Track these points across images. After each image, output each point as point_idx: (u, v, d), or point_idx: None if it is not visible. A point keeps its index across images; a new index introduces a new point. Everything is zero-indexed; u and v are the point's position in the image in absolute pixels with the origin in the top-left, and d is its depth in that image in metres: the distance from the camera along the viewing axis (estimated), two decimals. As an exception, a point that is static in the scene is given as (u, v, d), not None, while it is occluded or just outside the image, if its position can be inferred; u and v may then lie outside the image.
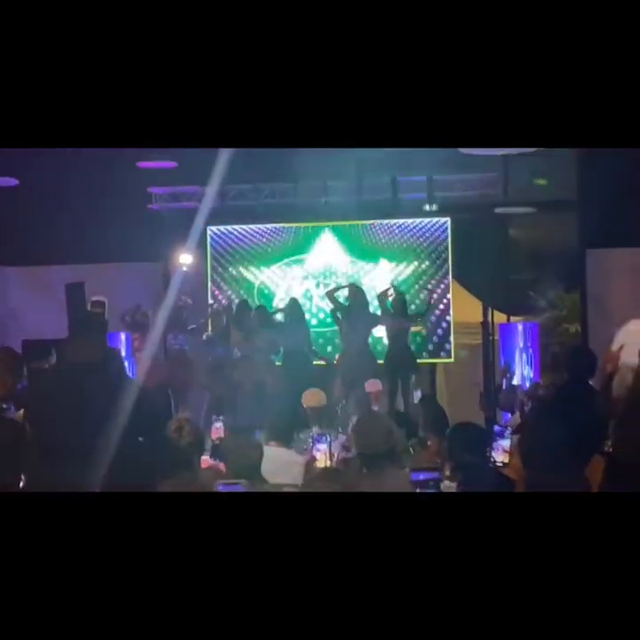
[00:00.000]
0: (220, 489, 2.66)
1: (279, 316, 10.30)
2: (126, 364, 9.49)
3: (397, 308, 10.14)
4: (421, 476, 2.75)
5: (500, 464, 3.02)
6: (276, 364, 9.79)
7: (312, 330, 11.37)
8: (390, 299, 10.33)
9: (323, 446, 4.11)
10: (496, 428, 3.08)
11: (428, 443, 6.30)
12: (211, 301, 11.71)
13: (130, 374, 7.80)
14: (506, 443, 3.03)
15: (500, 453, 3.03)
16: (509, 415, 7.93)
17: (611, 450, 3.46)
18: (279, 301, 11.40)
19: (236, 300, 11.29)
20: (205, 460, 5.23)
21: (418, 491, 2.73)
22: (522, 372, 10.51)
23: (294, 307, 10.21)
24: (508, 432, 3.05)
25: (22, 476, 4.07)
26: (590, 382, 4.85)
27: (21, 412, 4.48)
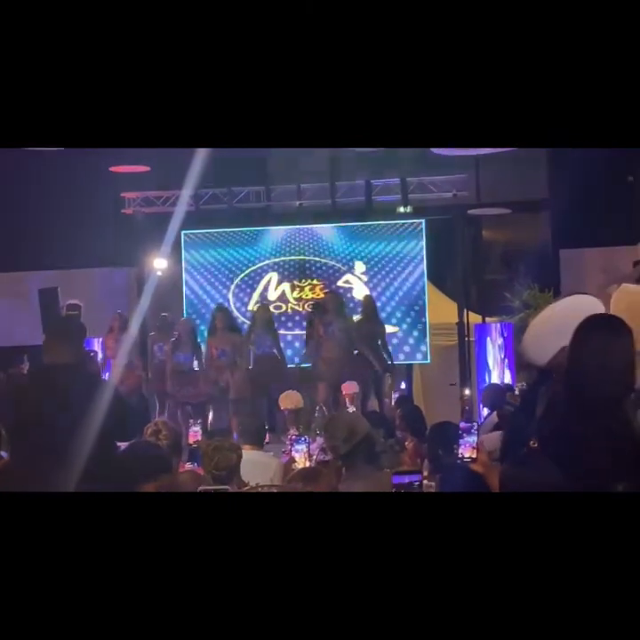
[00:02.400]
0: None
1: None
2: (102, 367, 9.50)
3: (368, 312, 10.20)
4: (406, 479, 2.74)
5: (468, 459, 3.04)
6: (247, 367, 9.80)
7: (288, 333, 11.41)
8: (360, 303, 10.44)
9: (301, 447, 4.10)
10: (463, 424, 3.09)
11: (406, 443, 6.33)
12: (185, 307, 11.69)
13: (105, 378, 7.78)
14: (473, 439, 3.05)
15: (468, 449, 3.05)
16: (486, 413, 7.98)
17: (536, 445, 3.44)
18: (254, 305, 11.41)
19: (211, 305, 11.30)
20: (182, 464, 5.21)
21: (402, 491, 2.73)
22: (498, 372, 10.57)
23: (262, 313, 10.22)
24: (474, 428, 3.07)
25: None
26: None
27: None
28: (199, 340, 10.60)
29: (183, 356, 9.88)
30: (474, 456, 3.03)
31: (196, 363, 9.95)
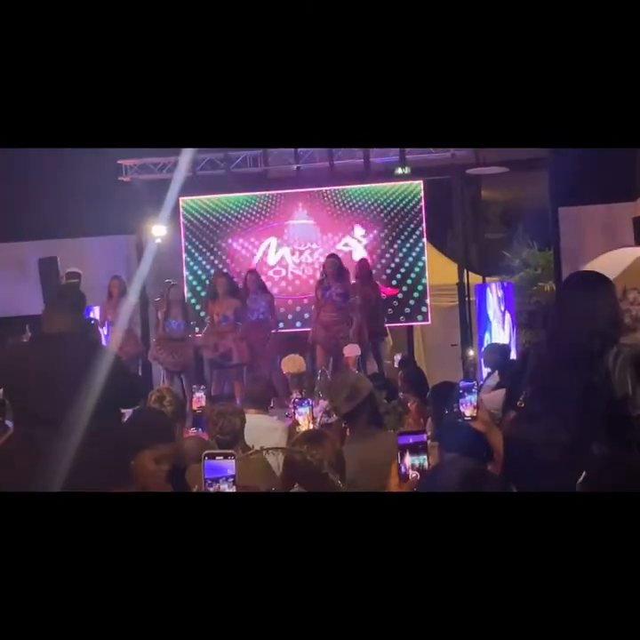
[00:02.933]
0: (207, 465, 2.59)
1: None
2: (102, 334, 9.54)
3: (362, 276, 10.23)
4: (411, 439, 2.76)
5: (469, 418, 3.08)
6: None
7: (289, 298, 11.43)
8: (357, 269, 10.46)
9: (304, 410, 4.12)
10: (463, 383, 3.12)
11: (408, 404, 6.36)
12: (185, 273, 11.70)
13: (106, 346, 7.80)
14: (473, 398, 3.08)
15: (469, 408, 3.09)
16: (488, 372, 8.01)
17: (523, 405, 3.46)
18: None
19: (211, 271, 11.30)
20: (187, 429, 5.25)
21: (408, 454, 2.74)
22: (499, 331, 10.60)
23: (252, 278, 10.23)
24: (474, 387, 3.11)
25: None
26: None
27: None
28: (198, 307, 10.65)
29: (176, 324, 9.89)
30: (474, 414, 3.06)
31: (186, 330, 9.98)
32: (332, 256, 10.28)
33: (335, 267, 9.81)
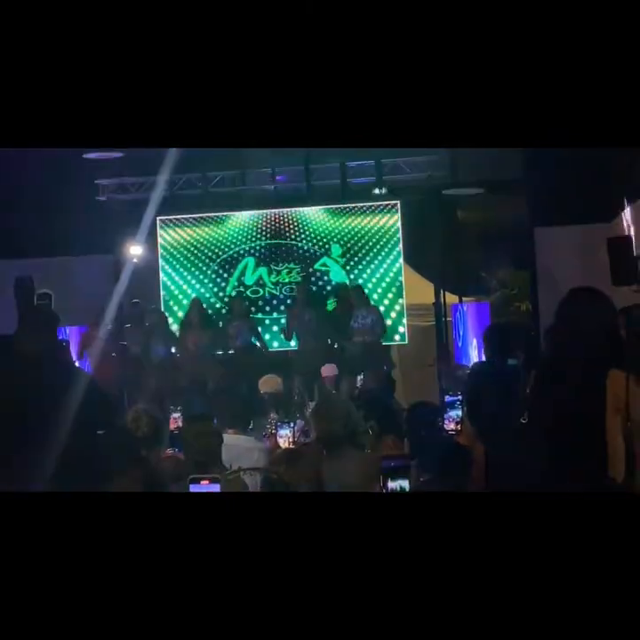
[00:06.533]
0: (193, 488, 2.57)
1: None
2: (74, 356, 9.48)
3: (342, 301, 10.35)
4: (392, 463, 2.76)
5: (453, 432, 3.12)
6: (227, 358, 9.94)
7: (265, 317, 11.43)
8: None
9: (285, 432, 4.10)
10: (447, 398, 3.15)
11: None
12: (162, 293, 11.67)
13: (80, 367, 7.74)
14: (457, 413, 3.12)
15: (452, 423, 3.13)
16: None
17: (526, 420, 3.50)
18: (232, 289, 11.47)
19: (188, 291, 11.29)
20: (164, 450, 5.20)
21: (390, 479, 2.73)
22: (476, 351, 10.62)
23: (238, 304, 10.29)
24: (458, 402, 3.13)
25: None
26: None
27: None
28: (175, 328, 10.66)
29: (161, 350, 9.95)
30: (459, 429, 3.09)
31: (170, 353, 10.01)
32: (300, 283, 10.51)
33: (304, 294, 10.09)
